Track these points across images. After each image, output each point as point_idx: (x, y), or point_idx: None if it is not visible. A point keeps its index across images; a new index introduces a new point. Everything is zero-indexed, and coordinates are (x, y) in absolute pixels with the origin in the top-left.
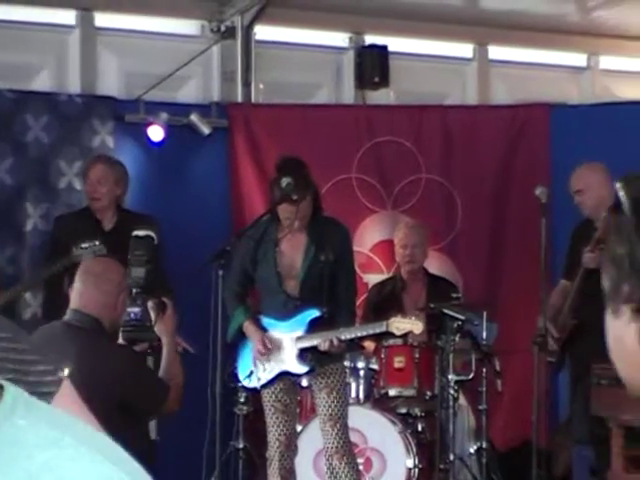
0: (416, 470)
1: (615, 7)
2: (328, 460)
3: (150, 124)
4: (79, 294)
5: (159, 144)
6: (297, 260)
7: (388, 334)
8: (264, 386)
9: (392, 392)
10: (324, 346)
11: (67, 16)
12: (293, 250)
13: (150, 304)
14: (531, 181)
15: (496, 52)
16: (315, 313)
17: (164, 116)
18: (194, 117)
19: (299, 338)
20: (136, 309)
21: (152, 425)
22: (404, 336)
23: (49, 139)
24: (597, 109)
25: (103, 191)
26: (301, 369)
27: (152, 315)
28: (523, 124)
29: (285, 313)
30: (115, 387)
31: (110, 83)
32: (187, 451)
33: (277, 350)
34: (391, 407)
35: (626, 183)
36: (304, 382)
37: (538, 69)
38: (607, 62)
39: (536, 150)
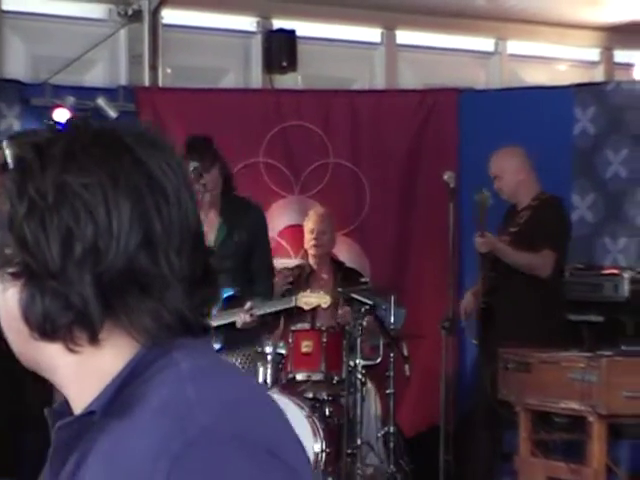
0: (323, 454)
1: None
2: None
3: (56, 107)
4: None
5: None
6: (210, 239)
7: (298, 310)
8: None
9: (300, 376)
10: (239, 322)
11: None
12: (206, 229)
13: None
14: (439, 166)
15: (404, 37)
16: (229, 292)
17: (71, 100)
18: (101, 101)
19: (212, 316)
20: None
21: None
22: (313, 310)
23: None
24: (504, 94)
25: None
26: (216, 347)
27: None
28: (431, 109)
29: None
30: None
31: (16, 67)
32: None
33: None
34: (298, 391)
35: (10, 142)
36: None
37: (446, 54)
38: (514, 47)
39: (444, 135)
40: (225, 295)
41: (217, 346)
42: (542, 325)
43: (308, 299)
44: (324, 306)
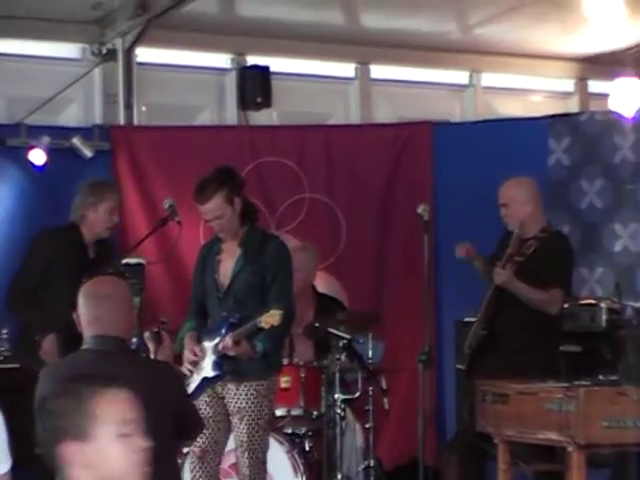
0: None
1: (496, 25)
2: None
3: (32, 148)
4: (97, 319)
5: (41, 168)
6: (229, 269)
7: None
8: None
9: (279, 412)
10: (220, 346)
11: None
12: (228, 259)
13: (146, 334)
14: (414, 199)
15: (378, 71)
16: (232, 319)
17: (46, 140)
18: (76, 140)
19: (216, 345)
20: (133, 339)
21: None
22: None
23: None
24: (479, 126)
25: None
26: (214, 373)
27: (150, 346)
28: (406, 142)
29: (218, 322)
30: (170, 401)
31: None
32: None
33: (203, 359)
34: (278, 427)
35: None
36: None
37: (420, 87)
38: (489, 79)
39: (419, 168)
40: (227, 324)
41: (215, 373)
42: (540, 356)
43: (265, 318)
44: (275, 323)
